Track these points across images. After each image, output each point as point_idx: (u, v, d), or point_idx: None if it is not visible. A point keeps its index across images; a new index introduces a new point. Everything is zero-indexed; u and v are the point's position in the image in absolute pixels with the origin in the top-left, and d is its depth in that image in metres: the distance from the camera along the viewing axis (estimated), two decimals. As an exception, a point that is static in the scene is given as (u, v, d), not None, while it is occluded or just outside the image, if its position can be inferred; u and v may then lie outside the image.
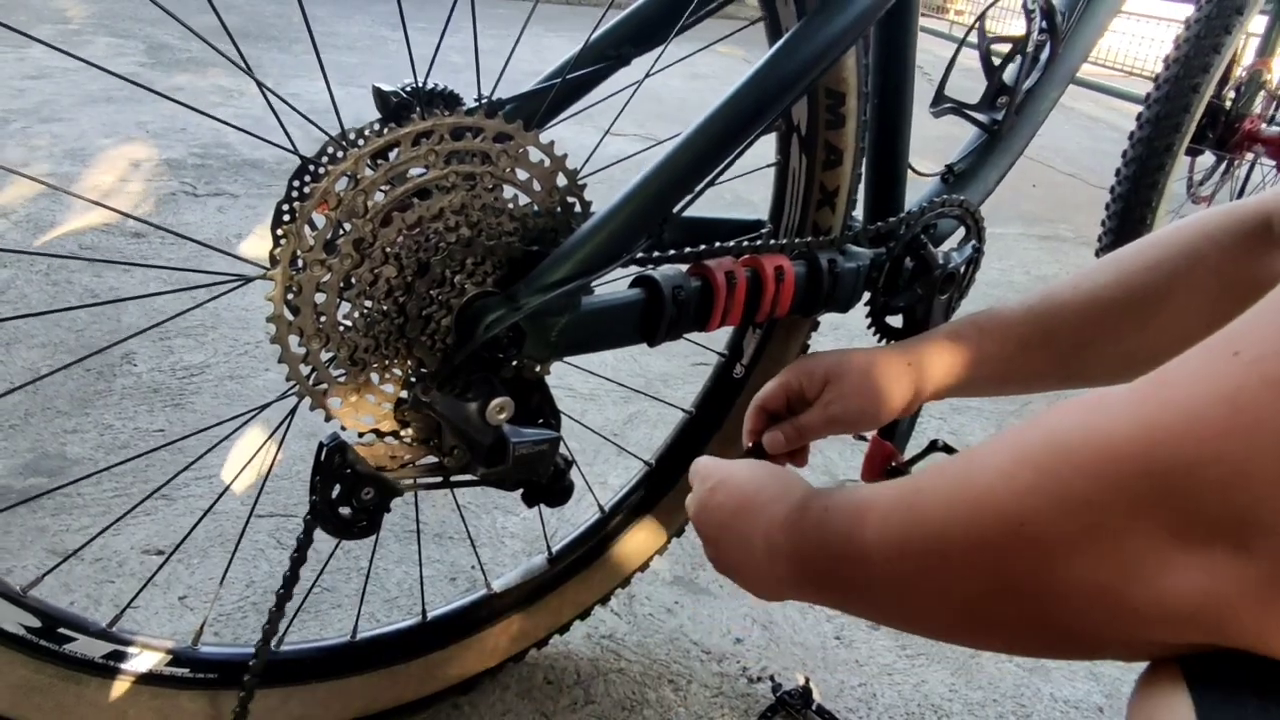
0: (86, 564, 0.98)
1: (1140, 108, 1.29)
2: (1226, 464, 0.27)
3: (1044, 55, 1.00)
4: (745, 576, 0.54)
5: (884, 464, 0.94)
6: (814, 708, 0.90)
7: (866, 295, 0.86)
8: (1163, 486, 0.29)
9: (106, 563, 0.98)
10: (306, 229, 0.55)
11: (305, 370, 0.58)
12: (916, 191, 0.92)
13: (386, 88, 0.66)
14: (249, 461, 1.13)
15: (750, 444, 0.75)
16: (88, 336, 1.44)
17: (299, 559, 0.63)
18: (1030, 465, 0.34)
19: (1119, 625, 0.32)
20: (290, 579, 0.63)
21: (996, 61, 1.00)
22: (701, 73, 4.01)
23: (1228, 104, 1.38)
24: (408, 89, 0.67)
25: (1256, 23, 1.37)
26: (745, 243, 0.74)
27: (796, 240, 0.77)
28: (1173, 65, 1.21)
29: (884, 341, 0.94)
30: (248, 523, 0.78)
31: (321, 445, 0.60)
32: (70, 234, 1.82)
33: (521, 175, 0.61)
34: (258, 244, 1.85)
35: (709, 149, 0.63)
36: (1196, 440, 0.28)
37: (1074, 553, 0.31)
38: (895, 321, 0.93)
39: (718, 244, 0.73)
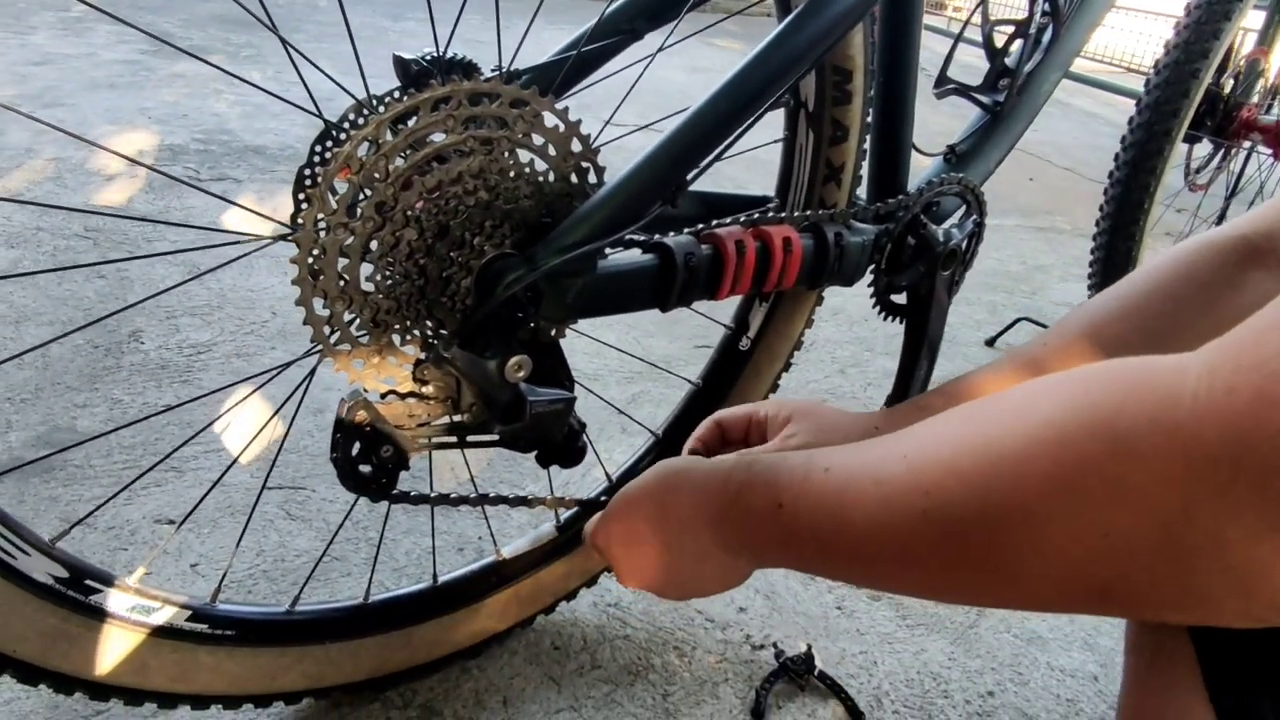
0: (99, 532, 0.99)
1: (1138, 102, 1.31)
2: None
3: (1046, 38, 1.01)
4: (694, 572, 0.50)
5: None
6: (816, 674, 0.92)
7: (870, 275, 0.88)
8: (1247, 470, 0.27)
9: (119, 531, 1.00)
10: (329, 194, 0.56)
11: (328, 332, 0.60)
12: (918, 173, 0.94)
13: (407, 55, 0.68)
14: (258, 433, 1.14)
15: (689, 451, 0.71)
16: (96, 314, 1.45)
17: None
18: (1080, 456, 0.31)
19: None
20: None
21: (999, 44, 1.02)
22: (701, 65, 4.02)
23: (1226, 91, 1.40)
24: (427, 57, 0.68)
25: (1254, 16, 1.39)
26: (755, 215, 0.76)
27: (804, 214, 0.79)
28: (1173, 50, 1.22)
29: (888, 319, 0.96)
30: (260, 494, 0.79)
31: (342, 401, 0.62)
32: (75, 216, 1.83)
33: (537, 140, 0.63)
34: (263, 226, 1.86)
35: (720, 121, 0.65)
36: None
37: (1153, 555, 0.30)
38: (900, 299, 0.95)
39: (729, 219, 0.75)
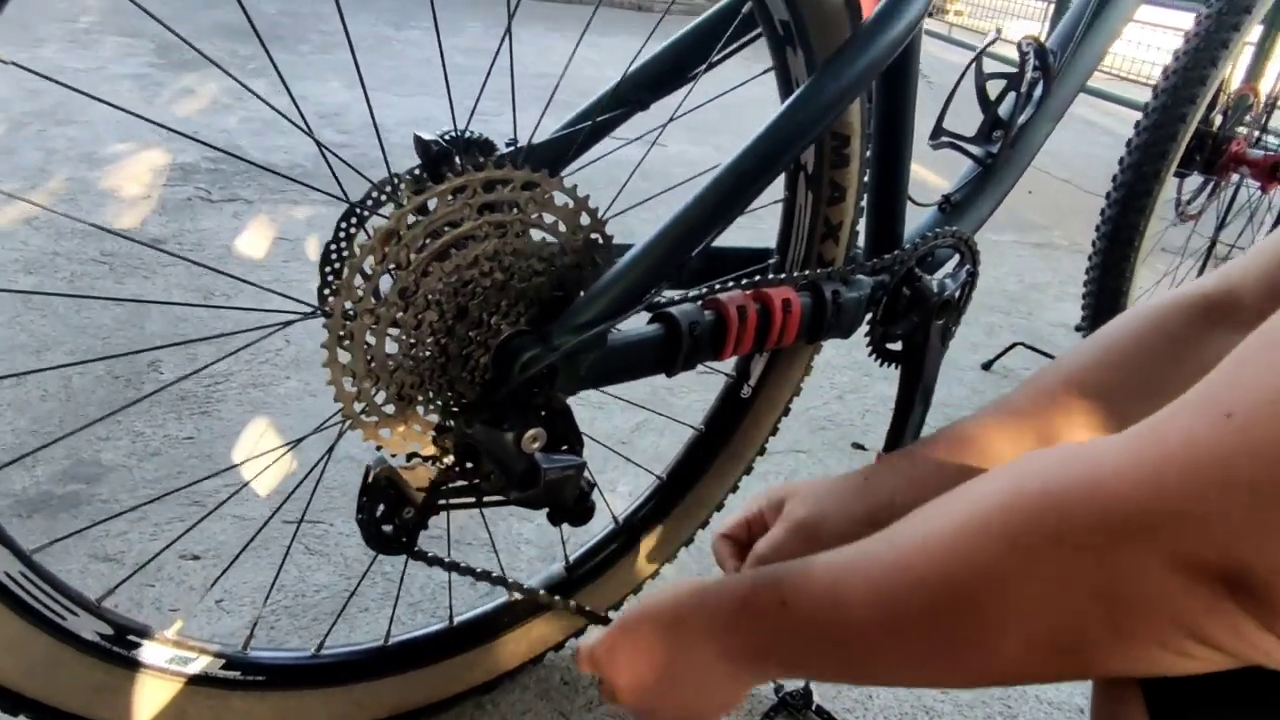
0: (127, 568, 1.04)
1: (1135, 113, 1.34)
2: (1224, 519, 0.31)
3: (1037, 92, 1.05)
4: (698, 689, 0.52)
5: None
6: (814, 708, 0.96)
7: (866, 324, 0.92)
8: (1171, 535, 0.33)
9: (146, 567, 1.04)
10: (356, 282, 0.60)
11: (357, 406, 0.63)
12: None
13: (426, 136, 0.71)
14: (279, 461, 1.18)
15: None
16: (114, 343, 1.49)
17: None
18: (1024, 517, 0.37)
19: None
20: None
21: (992, 97, 1.06)
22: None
23: (1215, 127, 1.43)
24: (446, 137, 0.72)
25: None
26: (756, 276, 0.80)
27: (803, 274, 0.83)
28: (1161, 95, 1.26)
29: (884, 365, 1.00)
30: (295, 535, 0.83)
31: (368, 469, 0.66)
32: (90, 237, 1.87)
33: (548, 219, 0.66)
34: (270, 248, 1.90)
35: (726, 198, 0.69)
36: (1200, 498, 0.32)
37: (1085, 599, 0.35)
38: (895, 347, 0.99)
39: (730, 279, 0.78)
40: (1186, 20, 1.35)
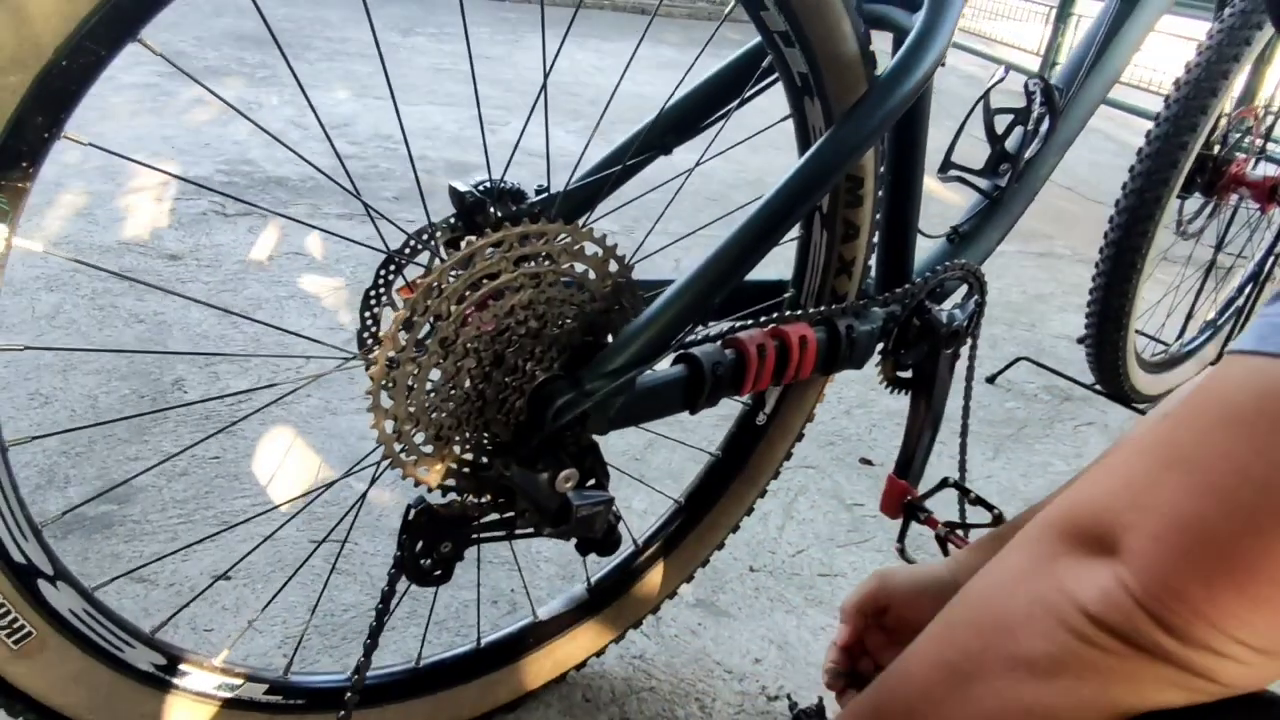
0: (161, 589, 1.07)
1: (1140, 120, 1.37)
2: (1110, 509, 0.42)
3: (1043, 127, 1.08)
4: None
5: (900, 499, 1.04)
6: (827, 724, 0.99)
7: (878, 354, 0.95)
8: (1085, 528, 0.43)
9: (179, 587, 1.07)
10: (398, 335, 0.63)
11: (398, 447, 0.67)
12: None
13: (461, 188, 0.75)
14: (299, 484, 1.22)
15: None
16: (137, 362, 1.52)
17: (384, 610, 0.72)
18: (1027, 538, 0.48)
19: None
20: (377, 629, 0.72)
21: (999, 131, 1.09)
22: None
23: (1215, 151, 1.46)
24: (479, 188, 0.75)
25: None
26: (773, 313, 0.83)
27: (818, 310, 0.86)
28: (1164, 123, 1.29)
29: (894, 392, 1.03)
30: (334, 565, 0.86)
31: (409, 508, 0.69)
32: (109, 253, 1.91)
33: (579, 268, 0.70)
34: (289, 264, 1.93)
35: (749, 245, 0.72)
36: (1105, 501, 0.42)
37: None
38: (905, 375, 1.03)
39: (748, 313, 0.82)
40: (1197, 29, 1.36)
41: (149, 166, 0.73)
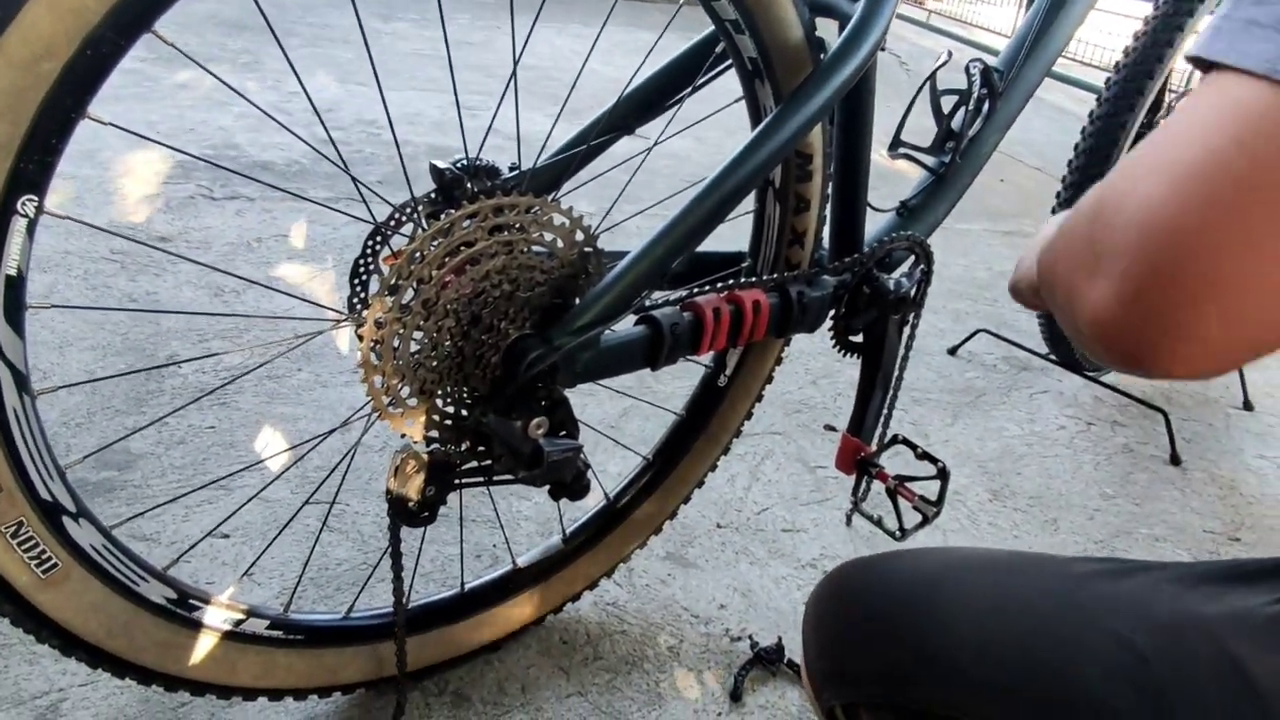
0: (164, 546, 1.14)
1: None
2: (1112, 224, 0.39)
3: (985, 106, 1.16)
4: None
5: (854, 455, 1.12)
6: (785, 662, 1.08)
7: (830, 320, 1.03)
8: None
9: (180, 545, 1.14)
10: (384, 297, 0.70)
11: (385, 400, 0.74)
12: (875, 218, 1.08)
13: (441, 165, 0.81)
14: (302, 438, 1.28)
15: None
16: (132, 339, 1.58)
17: (397, 541, 0.80)
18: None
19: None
20: (397, 566, 0.79)
21: (945, 110, 1.17)
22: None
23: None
24: (458, 165, 0.82)
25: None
26: (730, 279, 0.91)
27: (771, 277, 0.93)
28: (1104, 103, 1.37)
29: (845, 355, 1.11)
30: (325, 520, 0.93)
31: (396, 453, 0.77)
32: (99, 236, 1.95)
33: (548, 237, 0.77)
34: (277, 246, 1.98)
35: (704, 216, 0.79)
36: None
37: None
38: (857, 339, 1.11)
39: (706, 282, 0.89)
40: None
41: (169, 147, 0.80)
